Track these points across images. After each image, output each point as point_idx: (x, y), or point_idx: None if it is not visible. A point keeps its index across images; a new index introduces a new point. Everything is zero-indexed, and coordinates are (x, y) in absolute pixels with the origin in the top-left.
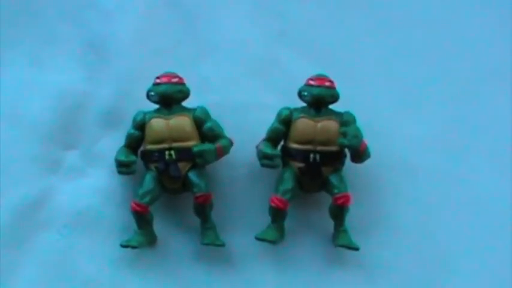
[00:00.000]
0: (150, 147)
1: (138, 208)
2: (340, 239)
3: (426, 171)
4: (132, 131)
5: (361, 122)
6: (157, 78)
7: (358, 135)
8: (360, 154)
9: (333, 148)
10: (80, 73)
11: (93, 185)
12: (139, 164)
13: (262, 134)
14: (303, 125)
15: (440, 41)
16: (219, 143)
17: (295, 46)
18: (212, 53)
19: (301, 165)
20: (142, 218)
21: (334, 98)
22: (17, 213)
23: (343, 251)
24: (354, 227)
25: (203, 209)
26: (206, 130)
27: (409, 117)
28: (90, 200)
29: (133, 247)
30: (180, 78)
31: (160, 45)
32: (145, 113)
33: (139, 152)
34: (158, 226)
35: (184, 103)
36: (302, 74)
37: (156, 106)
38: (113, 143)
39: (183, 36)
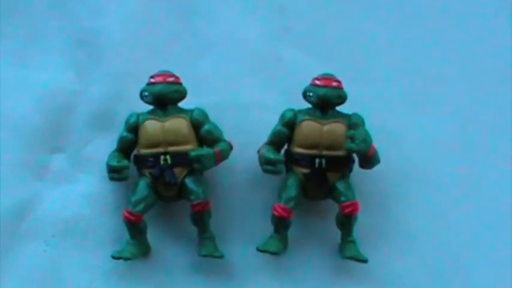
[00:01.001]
0: (144, 151)
1: (130, 217)
2: (348, 251)
3: (441, 177)
4: (125, 133)
5: (370, 125)
6: (152, 77)
7: (367, 139)
8: (368, 159)
9: (340, 153)
10: (69, 71)
11: (83, 191)
12: (133, 169)
13: (264, 137)
14: (308, 128)
15: (458, 35)
16: (218, 147)
17: (300, 43)
18: (211, 50)
19: (306, 171)
20: (135, 227)
21: (342, 99)
22: (0, 223)
23: (350, 264)
24: (362, 237)
25: (201, 218)
26: (204, 133)
27: (423, 120)
28: (80, 208)
29: (126, 259)
30: (176, 78)
31: (155, 41)
32: (138, 115)
33: (133, 157)
34: (152, 236)
35: (181, 104)
36: (307, 73)
37: (151, 107)
38: (103, 147)
39: (180, 32)
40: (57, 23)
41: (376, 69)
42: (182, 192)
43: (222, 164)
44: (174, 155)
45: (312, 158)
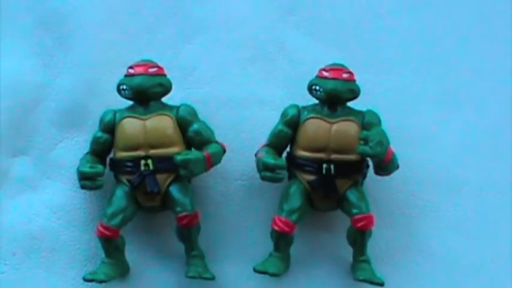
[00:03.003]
0: (121, 154)
1: (106, 232)
2: (361, 272)
3: (470, 186)
4: (99, 134)
5: (387, 124)
6: (131, 67)
7: (383, 141)
8: (385, 165)
9: (352, 157)
10: (33, 60)
11: (50, 201)
12: (108, 175)
13: (263, 138)
14: (314, 127)
15: (489, 21)
16: (208, 150)
17: (306, 27)
18: (200, 35)
19: (311, 178)
20: (111, 244)
21: (354, 93)
22: None
23: (364, 286)
24: (377, 255)
25: (188, 232)
26: (192, 133)
27: (450, 118)
28: (46, 221)
29: (100, 281)
30: (160, 68)
31: (134, 25)
32: (115, 112)
33: (108, 161)
34: (131, 254)
35: (165, 99)
36: (313, 62)
37: (130, 103)
38: (74, 149)
39: (164, 14)
40: (19, 2)
41: (394, 58)
42: (166, 202)
43: (213, 170)
44: (156, 159)
45: (319, 162)
